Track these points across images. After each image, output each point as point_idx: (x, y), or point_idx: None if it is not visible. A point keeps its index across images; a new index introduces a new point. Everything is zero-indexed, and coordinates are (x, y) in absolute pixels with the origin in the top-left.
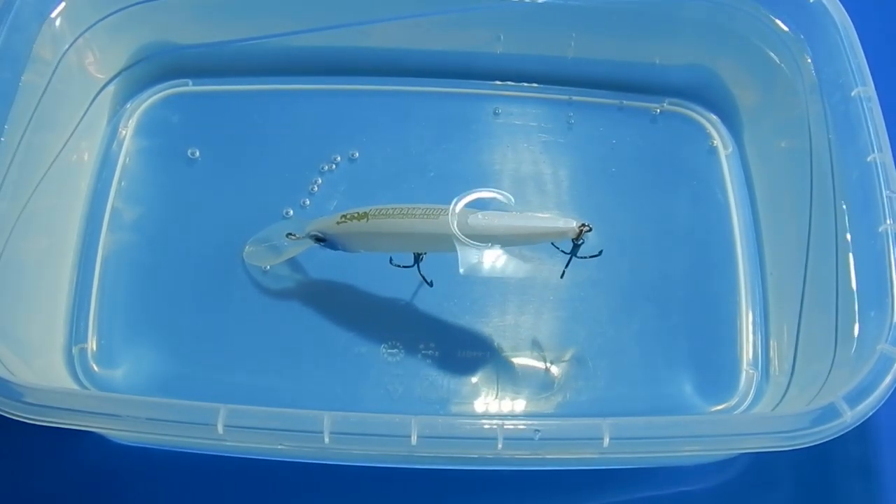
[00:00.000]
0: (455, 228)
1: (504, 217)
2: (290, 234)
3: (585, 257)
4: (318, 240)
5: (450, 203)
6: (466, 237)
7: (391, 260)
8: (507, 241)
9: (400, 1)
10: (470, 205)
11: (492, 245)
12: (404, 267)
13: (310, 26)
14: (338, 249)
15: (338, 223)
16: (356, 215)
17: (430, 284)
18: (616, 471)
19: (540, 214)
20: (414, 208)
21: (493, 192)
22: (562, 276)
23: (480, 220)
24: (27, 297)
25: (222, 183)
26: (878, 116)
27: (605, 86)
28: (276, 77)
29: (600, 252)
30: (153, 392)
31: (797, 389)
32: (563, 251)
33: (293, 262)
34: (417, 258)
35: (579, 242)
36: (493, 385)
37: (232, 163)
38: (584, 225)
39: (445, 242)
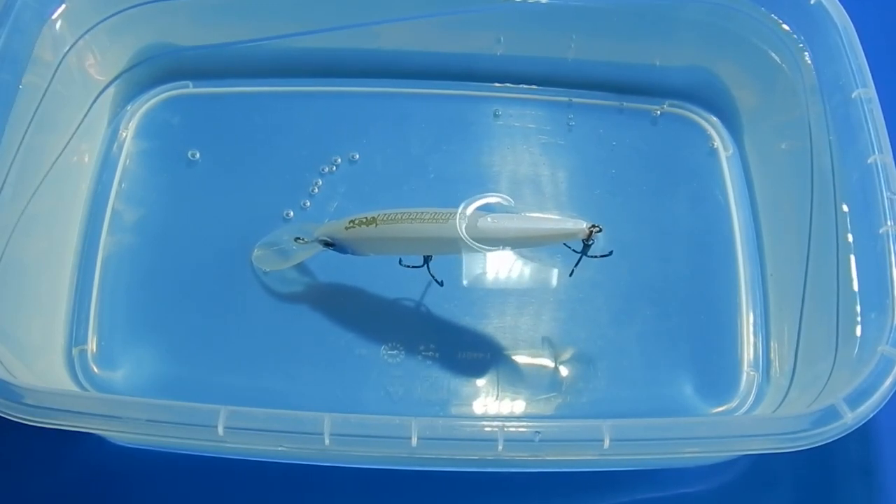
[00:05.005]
0: (463, 232)
1: (514, 219)
2: (299, 238)
3: (596, 256)
4: (327, 244)
5: (455, 206)
6: (475, 240)
7: (401, 261)
8: (516, 243)
9: (400, 3)
10: (477, 208)
11: (502, 247)
12: (414, 268)
13: (309, 28)
14: (346, 253)
15: (346, 228)
16: (365, 220)
17: (441, 284)
18: (616, 472)
19: (549, 216)
20: (422, 213)
21: (501, 197)
22: (570, 275)
23: (490, 223)
24: (27, 298)
25: (223, 184)
26: (878, 118)
27: (605, 87)
28: (276, 79)
29: (611, 252)
30: (153, 394)
31: (798, 391)
32: (574, 250)
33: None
34: (427, 259)
35: (589, 243)
36: (493, 386)
37: (232, 164)
38: (594, 226)
39: (454, 246)
